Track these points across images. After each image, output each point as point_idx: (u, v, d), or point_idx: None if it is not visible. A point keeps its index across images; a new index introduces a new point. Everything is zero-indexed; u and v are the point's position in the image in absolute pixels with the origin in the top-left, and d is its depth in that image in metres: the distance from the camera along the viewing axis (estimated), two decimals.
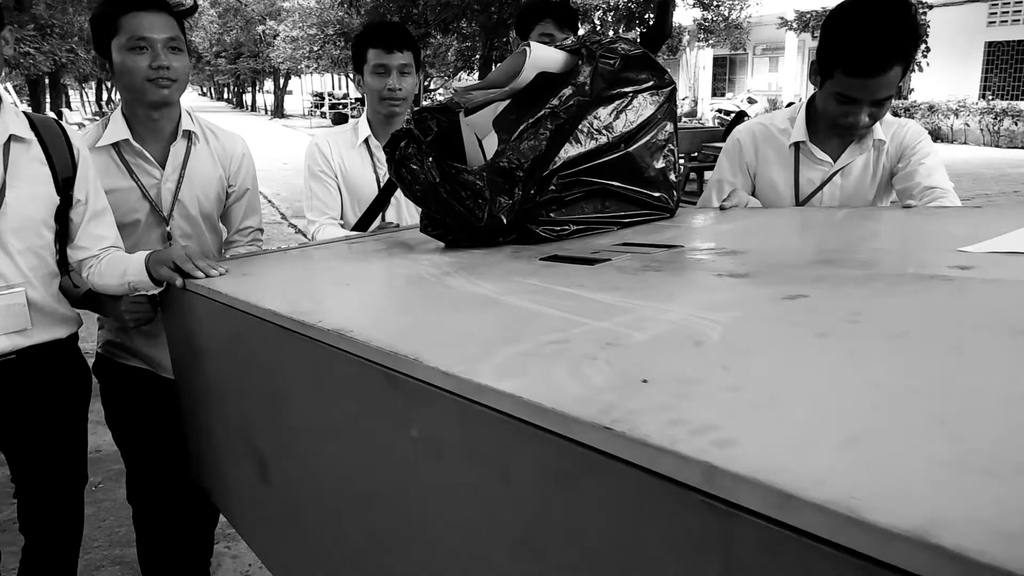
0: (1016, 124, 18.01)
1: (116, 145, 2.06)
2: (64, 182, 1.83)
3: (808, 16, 19.64)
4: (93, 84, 37.37)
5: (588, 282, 1.16)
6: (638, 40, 13.06)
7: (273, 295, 1.39)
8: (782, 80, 26.25)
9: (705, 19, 21.33)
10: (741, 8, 21.31)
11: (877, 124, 1.93)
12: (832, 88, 1.82)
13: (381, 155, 2.43)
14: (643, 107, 1.69)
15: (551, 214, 1.63)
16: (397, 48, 2.37)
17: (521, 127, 1.59)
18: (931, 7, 17.47)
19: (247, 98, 50.87)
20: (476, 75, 22.04)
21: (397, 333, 1.00)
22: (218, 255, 2.23)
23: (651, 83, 1.70)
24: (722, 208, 1.84)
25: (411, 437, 0.90)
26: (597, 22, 18.94)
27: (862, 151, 1.98)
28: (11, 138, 1.76)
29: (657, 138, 1.71)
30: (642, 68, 1.69)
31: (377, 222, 2.46)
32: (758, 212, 1.85)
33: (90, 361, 2.16)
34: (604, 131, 1.64)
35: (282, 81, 39.89)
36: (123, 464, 2.26)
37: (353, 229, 2.44)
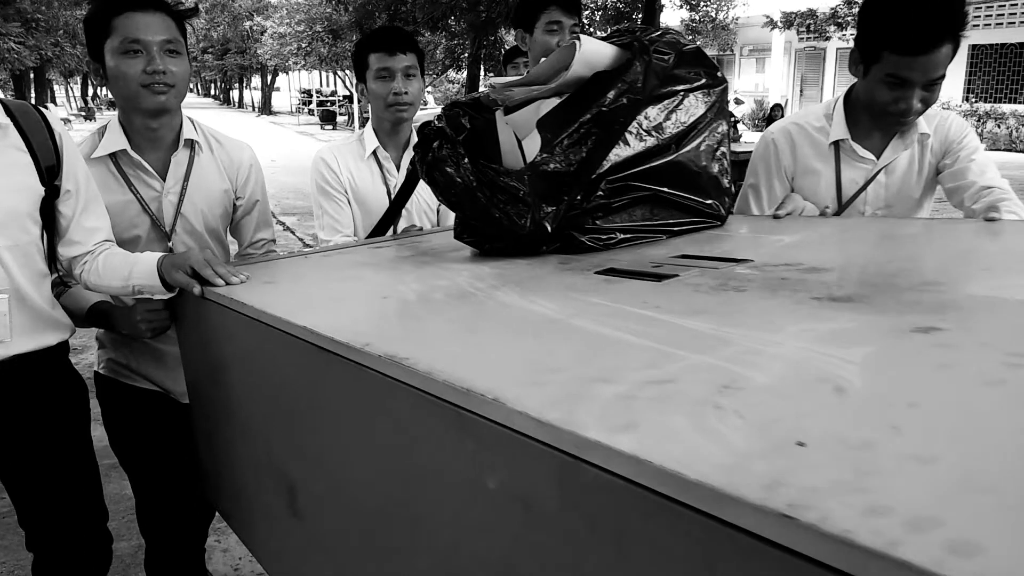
0: (999, 127, 18.05)
1: (113, 156, 1.90)
2: (48, 171, 1.65)
3: (793, 16, 19.59)
4: (79, 79, 36.92)
5: (663, 302, 1.04)
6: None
7: (304, 308, 1.25)
8: (769, 81, 26.21)
9: (692, 20, 21.27)
10: (728, 9, 21.26)
11: (920, 118, 1.81)
12: (881, 72, 1.69)
13: (391, 166, 2.31)
14: (694, 107, 1.56)
15: (597, 221, 1.50)
16: (400, 50, 2.22)
17: (568, 127, 1.46)
18: None
19: (234, 95, 50.41)
20: (464, 73, 21.87)
21: (462, 362, 0.87)
22: None
23: (703, 81, 1.57)
24: (776, 216, 1.71)
25: (487, 487, 0.77)
26: (585, 21, 18.86)
27: (906, 147, 1.85)
28: None
29: (709, 140, 1.58)
30: (695, 64, 1.56)
31: (389, 235, 2.32)
32: (820, 221, 1.71)
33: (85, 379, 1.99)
34: (654, 132, 1.51)
35: (270, 78, 39.51)
36: (114, 459, 2.09)
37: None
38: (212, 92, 57.10)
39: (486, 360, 0.88)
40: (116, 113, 1.96)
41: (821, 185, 1.87)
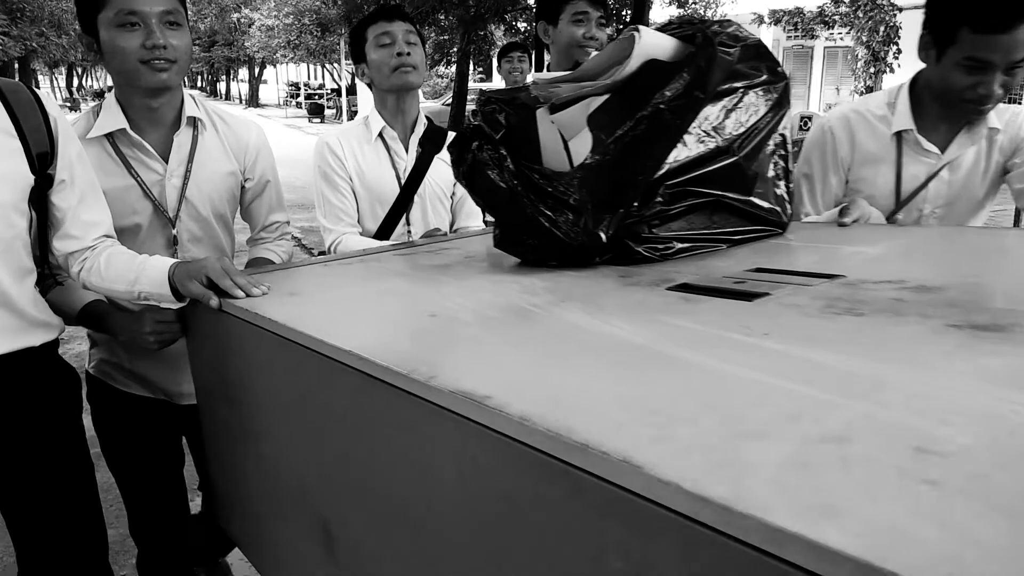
0: None
1: (110, 136, 1.74)
2: (39, 158, 1.47)
3: (781, 14, 19.51)
4: (63, 70, 36.38)
5: (768, 327, 0.90)
6: (613, 35, 12.82)
7: (341, 327, 1.11)
8: None
9: (681, 16, 21.15)
10: (716, 6, 21.16)
11: (991, 112, 1.67)
12: (959, 54, 1.55)
13: (398, 147, 2.15)
14: (755, 105, 1.42)
15: (654, 230, 1.36)
16: (398, 17, 2.09)
17: (623, 125, 1.32)
18: (902, 10, 17.42)
19: (221, 87, 49.85)
20: (453, 68, 21.64)
21: (555, 404, 0.73)
22: (232, 259, 1.93)
23: (764, 77, 1.43)
24: (841, 224, 1.57)
25: (612, 567, 0.63)
26: None
27: (973, 142, 1.71)
28: None
29: (770, 142, 1.45)
30: (757, 59, 1.42)
31: (401, 225, 2.17)
32: (895, 230, 1.57)
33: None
34: (713, 133, 1.37)
35: (257, 70, 39.08)
36: (99, 448, 1.92)
37: (375, 236, 2.14)
38: (199, 84, 56.43)
39: (584, 401, 0.74)
40: (113, 91, 1.79)
41: (879, 178, 1.73)
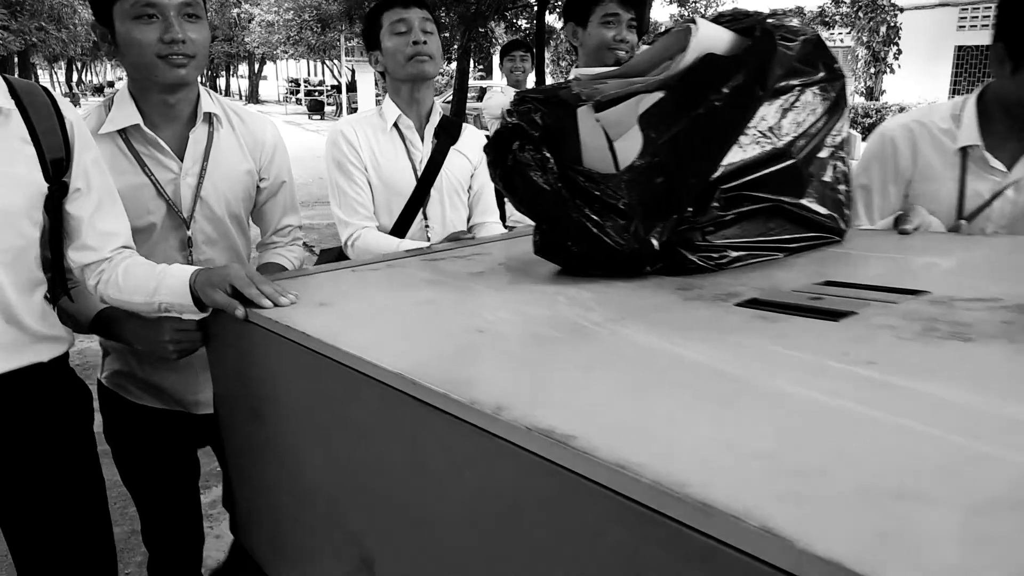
0: None
1: (123, 132, 1.63)
2: (54, 165, 1.37)
3: (781, 13, 19.42)
4: (63, 64, 36.19)
5: (865, 352, 0.80)
6: None
7: (381, 342, 1.02)
8: None
9: (682, 15, 21.06)
10: (717, 5, 21.06)
11: None
12: None
13: (414, 137, 2.05)
14: (812, 105, 1.32)
15: (707, 237, 1.26)
16: (415, 4, 1.98)
17: (677, 125, 1.22)
18: (902, 10, 17.35)
19: (221, 83, 49.63)
20: (453, 65, 21.49)
21: (648, 446, 0.64)
22: (247, 262, 1.83)
23: (822, 75, 1.33)
24: (903, 232, 1.47)
25: None
26: None
27: None
28: None
29: (828, 144, 1.35)
30: (815, 55, 1.32)
31: (419, 220, 2.07)
32: (965, 240, 1.47)
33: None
34: (770, 134, 1.28)
35: (257, 66, 38.90)
36: (107, 444, 1.84)
37: (391, 231, 2.04)
38: (199, 80, 56.15)
39: (686, 445, 0.64)
40: (125, 83, 1.69)
41: (941, 194, 1.63)
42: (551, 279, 1.31)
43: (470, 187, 2.15)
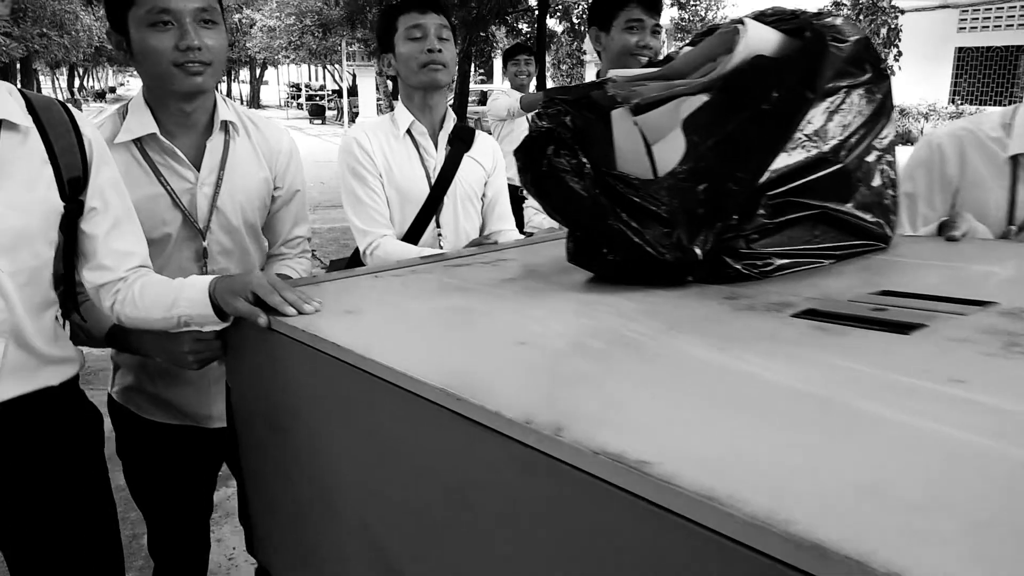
0: None
1: (139, 141, 1.58)
2: (71, 184, 1.32)
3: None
4: (64, 70, 36.18)
5: (949, 369, 0.75)
6: None
7: (416, 354, 0.96)
8: None
9: (682, 19, 21.02)
10: (718, 8, 21.01)
11: None
12: None
13: (428, 144, 1.99)
14: (859, 107, 1.27)
15: (752, 244, 1.21)
16: (432, 9, 1.92)
17: (722, 129, 1.17)
18: (903, 12, 17.30)
19: (222, 87, 49.60)
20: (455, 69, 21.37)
21: (734, 474, 0.59)
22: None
23: (868, 76, 1.28)
24: (950, 239, 1.42)
25: None
26: (575, 20, 18.49)
27: None
28: (2, 124, 1.26)
29: (874, 148, 1.30)
30: (863, 55, 1.27)
31: (431, 228, 2.01)
32: (1017, 247, 1.41)
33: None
34: (816, 137, 1.22)
35: (258, 71, 38.87)
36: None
37: (403, 239, 1.99)
38: None
39: (778, 474, 0.59)
40: (140, 90, 1.63)
41: (990, 203, 1.58)
42: (587, 287, 1.25)
43: (484, 195, 2.10)
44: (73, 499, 1.42)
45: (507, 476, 0.77)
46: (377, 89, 22.74)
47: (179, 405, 1.71)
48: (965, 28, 18.16)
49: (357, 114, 23.71)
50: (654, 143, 1.27)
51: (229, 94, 44.14)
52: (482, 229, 2.12)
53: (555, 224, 2.29)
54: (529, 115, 5.14)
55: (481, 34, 17.91)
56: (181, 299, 1.33)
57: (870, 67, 1.29)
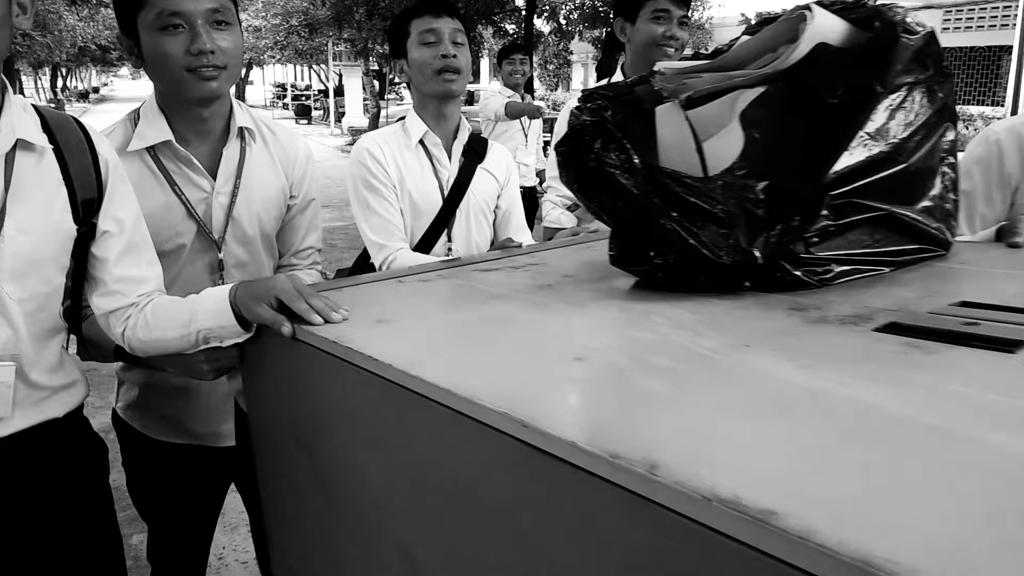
0: (967, 128, 18.03)
1: (152, 148, 1.49)
2: (85, 206, 1.24)
3: (768, 16, 19.39)
4: (47, 70, 35.75)
5: None
6: (603, 40, 12.57)
7: (464, 371, 0.88)
8: None
9: None
10: (704, 8, 21.00)
11: None
12: None
13: (441, 155, 1.89)
14: (922, 105, 1.19)
15: (811, 249, 1.13)
16: (446, 13, 1.83)
17: (783, 125, 1.09)
18: None
19: None
20: None
21: (872, 525, 0.50)
22: None
23: (931, 72, 1.20)
24: (1013, 245, 1.34)
25: None
26: (563, 20, 18.40)
27: None
28: (17, 144, 1.18)
29: (937, 149, 1.22)
30: (927, 51, 1.19)
31: (442, 242, 1.92)
32: None
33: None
34: (878, 135, 1.14)
35: (244, 71, 38.58)
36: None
37: (413, 251, 1.90)
38: None
39: (935, 530, 0.50)
40: (152, 95, 1.54)
41: None
42: (633, 295, 1.17)
43: (497, 207, 2.01)
44: (78, 537, 1.33)
45: (584, 515, 0.69)
46: (364, 89, 22.57)
47: (186, 423, 1.62)
48: (949, 28, 18.26)
49: (343, 114, 23.53)
50: (706, 139, 1.19)
51: None
52: (493, 242, 2.03)
53: (574, 221, 2.21)
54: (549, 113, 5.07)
55: (469, 34, 17.80)
56: (200, 312, 1.24)
57: (932, 64, 1.21)
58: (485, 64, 32.13)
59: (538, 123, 5.93)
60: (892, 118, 1.16)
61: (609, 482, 0.64)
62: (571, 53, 22.98)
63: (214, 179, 1.54)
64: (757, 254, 1.09)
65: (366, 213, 1.85)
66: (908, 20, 1.15)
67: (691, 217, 1.10)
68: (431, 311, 1.20)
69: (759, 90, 1.11)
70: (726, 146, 1.14)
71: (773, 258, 1.11)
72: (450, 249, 1.91)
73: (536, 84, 20.03)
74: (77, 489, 1.34)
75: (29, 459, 1.24)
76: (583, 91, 1.33)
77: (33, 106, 1.24)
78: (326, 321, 1.11)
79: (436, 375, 0.87)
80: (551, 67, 23.71)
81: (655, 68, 1.23)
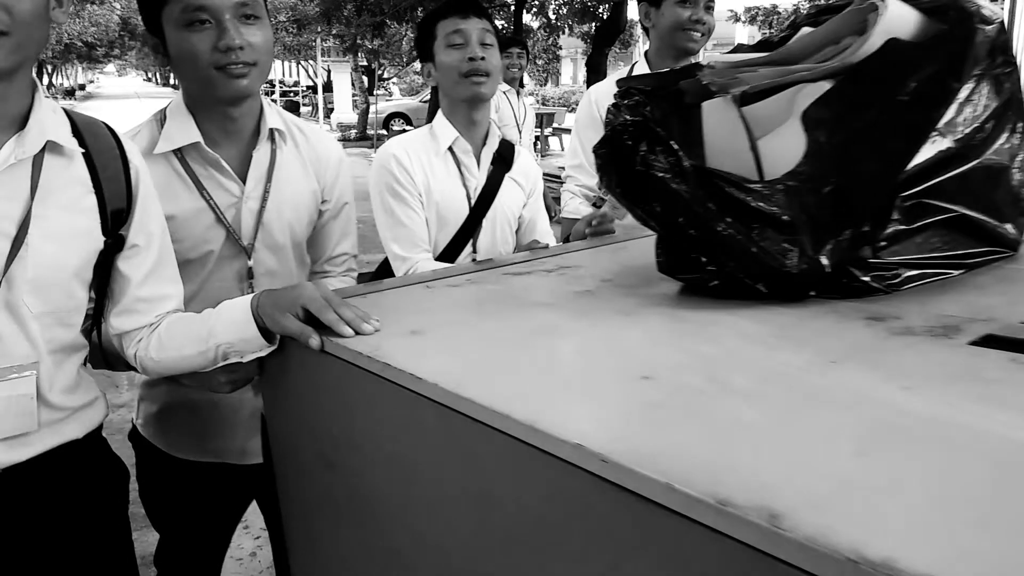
0: None
1: (179, 150, 1.40)
2: (114, 216, 1.15)
3: (755, 11, 19.31)
4: (33, 67, 35.30)
5: None
6: (592, 35, 12.46)
7: (516, 391, 0.79)
8: None
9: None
10: None
11: None
12: None
13: (470, 163, 1.80)
14: (989, 98, 1.11)
15: (880, 253, 1.04)
16: (475, 14, 1.73)
17: (850, 123, 1.00)
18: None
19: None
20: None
21: None
22: None
23: (999, 63, 1.12)
24: None
25: None
26: (552, 16, 18.29)
27: None
28: (47, 147, 1.08)
29: (1007, 145, 1.14)
30: (998, 40, 1.11)
31: (467, 251, 1.83)
32: None
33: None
34: (947, 131, 1.06)
35: None
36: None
37: (438, 260, 1.81)
38: (171, 81, 55.07)
39: None
40: (179, 94, 1.45)
41: None
42: (685, 303, 1.09)
43: (520, 216, 1.92)
44: (94, 568, 1.24)
45: (683, 567, 0.60)
46: (353, 85, 22.38)
47: (212, 441, 1.53)
48: None
49: (332, 110, 23.34)
50: (760, 137, 1.10)
51: None
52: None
53: (588, 210, 2.10)
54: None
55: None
56: (219, 325, 1.15)
57: (1000, 54, 1.12)
58: None
59: (531, 118, 5.90)
60: (961, 112, 1.08)
61: (717, 532, 0.56)
62: (560, 48, 22.85)
63: (243, 183, 1.44)
64: (825, 262, 1.00)
65: (390, 222, 1.75)
66: (983, 9, 1.07)
67: (750, 222, 1.02)
68: (468, 320, 1.11)
69: (823, 86, 1.02)
70: (784, 146, 1.06)
71: (840, 264, 1.02)
72: (474, 260, 1.83)
73: (526, 79, 19.91)
74: (96, 517, 1.24)
75: (48, 484, 1.15)
76: (617, 82, 1.24)
77: (63, 109, 1.15)
78: (356, 333, 1.02)
79: (489, 396, 0.78)
80: (540, 62, 23.59)
81: (704, 61, 1.14)
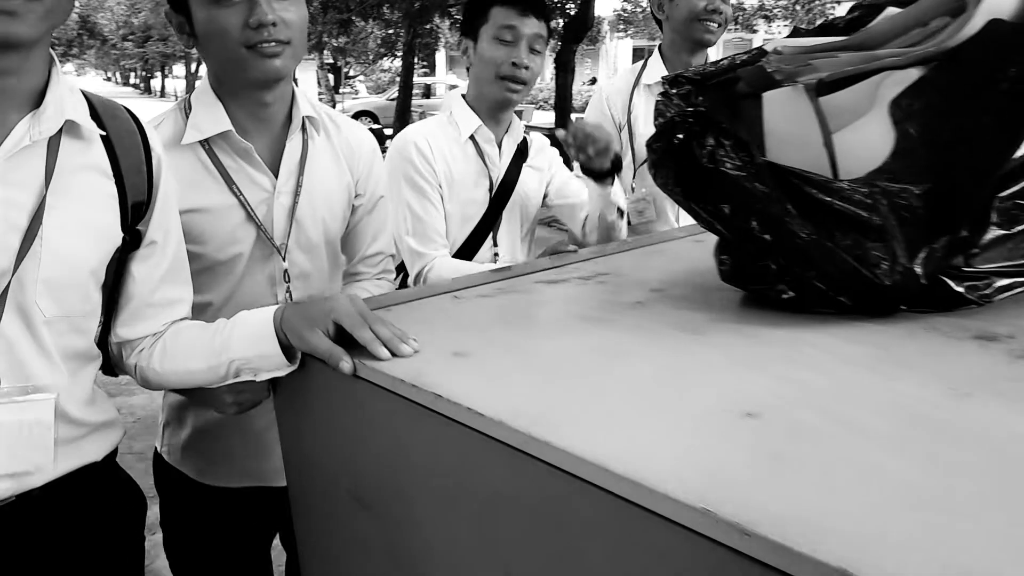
0: None
1: (206, 141, 1.26)
2: (134, 209, 1.02)
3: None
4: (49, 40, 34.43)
5: None
6: (560, 32, 12.37)
7: (591, 429, 0.68)
8: None
9: (625, 10, 20.86)
10: None
11: None
12: None
13: (492, 152, 1.69)
14: None
15: (972, 261, 0.93)
16: (534, 13, 1.61)
17: (947, 116, 0.89)
18: (840, 2, 17.46)
19: (156, 84, 47.72)
20: (397, 63, 20.69)
21: None
22: None
23: None
24: None
25: None
26: None
27: None
28: (64, 128, 0.95)
29: None
30: None
31: (488, 244, 1.71)
32: None
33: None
34: None
35: (194, 66, 37.50)
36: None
37: (456, 255, 1.68)
38: (132, 81, 53.82)
39: None
40: (205, 79, 1.32)
41: None
42: (756, 317, 0.97)
43: (545, 194, 1.82)
44: None
45: None
46: (319, 83, 22.06)
47: (244, 461, 1.38)
48: None
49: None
50: (836, 130, 0.99)
51: (163, 91, 42.62)
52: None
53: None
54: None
55: (425, 26, 17.48)
56: (234, 339, 1.01)
57: None
58: (441, 57, 31.69)
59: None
60: None
61: None
62: None
63: (275, 176, 1.30)
64: (919, 271, 0.89)
65: (407, 215, 1.63)
66: None
67: (833, 227, 0.90)
68: (512, 339, 0.97)
69: (911, 74, 0.91)
70: (865, 140, 0.94)
71: (934, 274, 0.91)
72: (496, 255, 1.71)
73: None
74: (113, 550, 1.10)
75: (64, 514, 1.01)
76: (664, 78, 1.12)
77: (80, 90, 1.01)
78: (394, 354, 0.89)
79: (578, 442, 0.66)
80: None
81: (769, 47, 1.02)
